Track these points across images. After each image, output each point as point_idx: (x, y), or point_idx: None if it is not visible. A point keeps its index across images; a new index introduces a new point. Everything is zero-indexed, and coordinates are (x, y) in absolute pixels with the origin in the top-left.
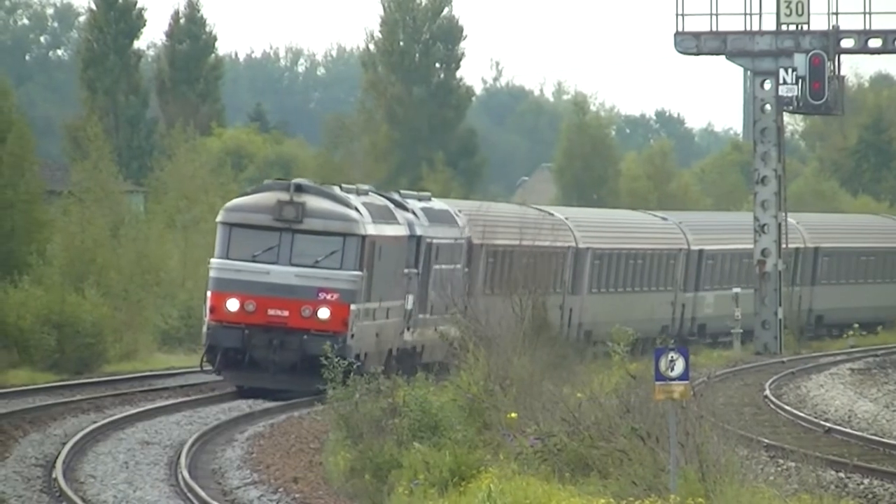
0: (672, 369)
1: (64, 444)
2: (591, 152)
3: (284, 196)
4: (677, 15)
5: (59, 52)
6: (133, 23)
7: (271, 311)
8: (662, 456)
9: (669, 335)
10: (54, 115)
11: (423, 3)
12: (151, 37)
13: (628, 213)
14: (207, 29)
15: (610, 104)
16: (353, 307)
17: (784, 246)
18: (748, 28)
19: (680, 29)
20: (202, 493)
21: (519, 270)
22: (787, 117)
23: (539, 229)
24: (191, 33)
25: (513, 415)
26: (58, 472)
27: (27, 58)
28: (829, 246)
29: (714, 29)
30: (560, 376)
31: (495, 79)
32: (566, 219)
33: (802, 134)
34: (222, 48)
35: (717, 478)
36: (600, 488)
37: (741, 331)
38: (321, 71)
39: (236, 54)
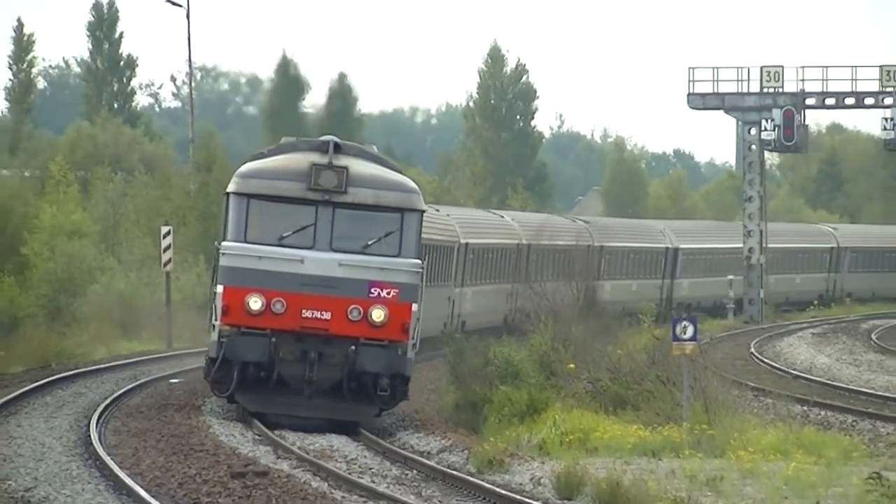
0: (685, 333)
1: None
2: (628, 179)
3: (320, 158)
4: (689, 81)
5: (251, 108)
6: (301, 88)
7: (307, 313)
8: (678, 395)
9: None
10: (248, 153)
11: (508, 73)
12: (313, 99)
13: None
14: (353, 94)
15: (641, 144)
16: (414, 307)
17: (765, 245)
18: (740, 90)
19: (691, 91)
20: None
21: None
22: (767, 154)
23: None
24: (341, 95)
25: (571, 366)
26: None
27: (228, 111)
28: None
29: (715, 91)
30: (605, 338)
31: (559, 126)
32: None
33: (778, 166)
34: (365, 106)
35: (716, 411)
36: (634, 418)
37: (733, 306)
38: (434, 121)
39: (371, 111)
